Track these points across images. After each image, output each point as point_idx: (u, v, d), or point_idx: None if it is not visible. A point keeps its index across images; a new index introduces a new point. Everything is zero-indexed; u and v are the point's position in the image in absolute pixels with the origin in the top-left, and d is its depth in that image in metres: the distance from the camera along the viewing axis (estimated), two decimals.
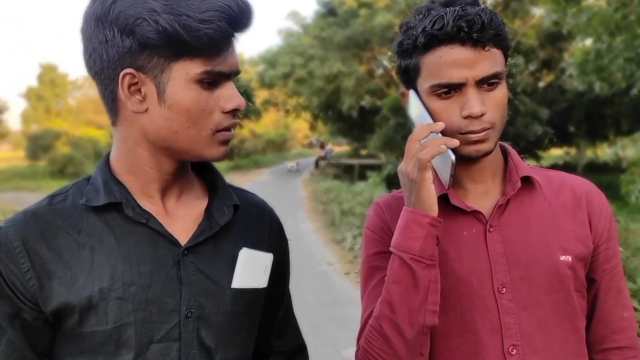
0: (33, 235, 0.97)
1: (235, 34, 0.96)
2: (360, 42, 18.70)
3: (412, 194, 1.09)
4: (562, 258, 1.14)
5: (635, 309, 2.88)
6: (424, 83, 1.11)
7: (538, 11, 16.82)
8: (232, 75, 0.98)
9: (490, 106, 1.09)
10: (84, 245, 0.98)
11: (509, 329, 1.13)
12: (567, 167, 24.22)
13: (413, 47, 1.10)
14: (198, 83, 0.95)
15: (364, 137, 24.14)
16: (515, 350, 1.12)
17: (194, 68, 0.93)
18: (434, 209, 1.08)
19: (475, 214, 1.18)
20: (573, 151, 27.91)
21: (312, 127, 35.29)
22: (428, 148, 1.05)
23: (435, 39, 1.07)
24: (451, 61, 1.07)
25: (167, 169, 1.03)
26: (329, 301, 6.09)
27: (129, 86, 0.95)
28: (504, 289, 1.14)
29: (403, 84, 1.19)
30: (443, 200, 1.17)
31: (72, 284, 0.96)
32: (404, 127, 17.50)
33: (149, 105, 0.96)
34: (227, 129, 1.00)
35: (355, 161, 24.91)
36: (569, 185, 1.23)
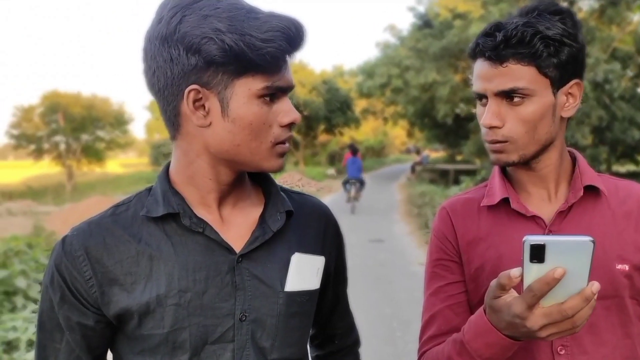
0: (96, 244, 0.99)
1: (291, 52, 0.98)
2: (455, 52, 18.26)
3: (521, 335, 0.97)
4: (619, 267, 1.12)
5: None
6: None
7: (635, 17, 15.69)
8: (288, 90, 1.00)
9: (510, 120, 1.10)
10: (143, 254, 0.99)
11: None
12: None
13: (470, 55, 1.18)
14: (259, 98, 0.96)
15: (459, 143, 23.52)
16: (564, 350, 1.12)
17: (255, 84, 0.95)
18: None
19: (535, 219, 1.15)
20: None
21: (410, 134, 34.84)
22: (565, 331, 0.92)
23: (473, 52, 1.15)
24: (477, 73, 1.14)
25: (225, 180, 1.03)
26: (420, 299, 6.01)
27: (194, 101, 0.96)
28: None
29: None
30: (504, 203, 1.17)
31: (131, 291, 0.98)
32: None
33: (212, 119, 0.97)
34: (284, 141, 1.01)
35: (450, 166, 24.30)
36: (636, 194, 1.19)
